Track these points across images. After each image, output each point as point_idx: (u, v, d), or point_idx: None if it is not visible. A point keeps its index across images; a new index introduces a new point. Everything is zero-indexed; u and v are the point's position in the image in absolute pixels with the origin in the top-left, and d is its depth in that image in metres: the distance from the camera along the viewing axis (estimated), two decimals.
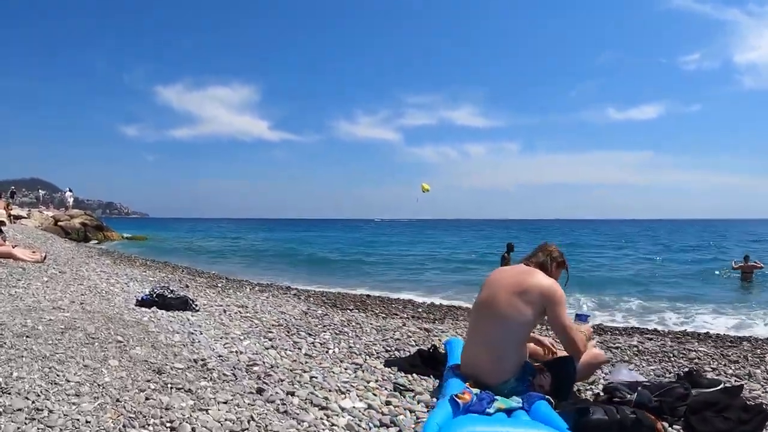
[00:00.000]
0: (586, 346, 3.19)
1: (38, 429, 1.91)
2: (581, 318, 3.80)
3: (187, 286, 8.05)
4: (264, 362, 3.45)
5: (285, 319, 5.40)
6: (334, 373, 3.52)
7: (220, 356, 3.38)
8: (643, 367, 4.70)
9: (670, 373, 4.46)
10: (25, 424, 1.93)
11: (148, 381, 2.58)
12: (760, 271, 15.48)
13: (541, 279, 2.96)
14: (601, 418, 2.59)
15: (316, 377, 3.27)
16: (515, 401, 2.73)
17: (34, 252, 7.92)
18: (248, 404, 2.53)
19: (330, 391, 3.05)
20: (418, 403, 3.07)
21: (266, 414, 2.46)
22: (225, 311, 5.55)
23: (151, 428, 2.08)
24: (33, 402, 2.10)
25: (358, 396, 3.05)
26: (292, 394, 2.83)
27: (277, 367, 3.38)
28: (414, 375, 3.69)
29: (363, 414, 2.77)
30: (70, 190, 33.56)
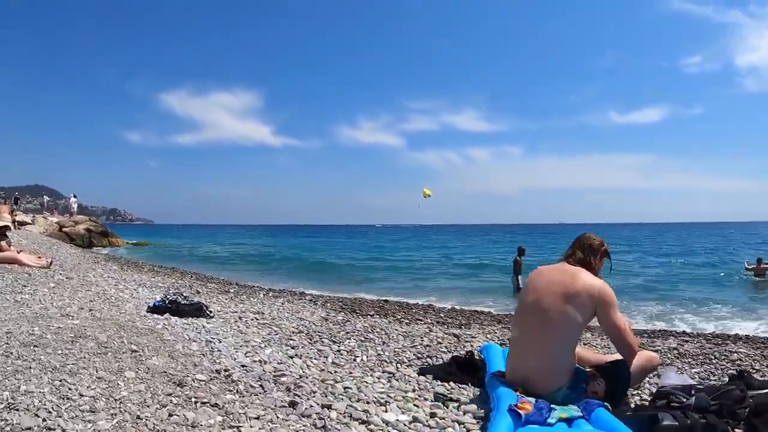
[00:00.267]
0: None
1: None
2: None
3: (199, 292, 7.85)
4: (291, 372, 3.21)
5: (305, 326, 5.16)
6: (367, 383, 3.29)
7: (243, 366, 3.15)
8: (686, 369, 4.57)
9: (714, 375, 4.35)
10: None
11: (170, 395, 2.36)
12: None
13: (589, 280, 2.85)
14: (671, 424, 2.45)
15: (350, 388, 3.04)
16: (574, 409, 2.59)
17: (39, 257, 7.74)
18: (282, 419, 2.29)
19: (368, 403, 2.82)
20: (464, 414, 2.83)
21: (304, 430, 2.22)
22: (241, 318, 5.33)
23: None
24: (44, 420, 1.88)
25: (399, 408, 2.81)
26: (329, 407, 2.59)
27: (306, 378, 3.15)
28: (451, 383, 3.49)
29: (409, 428, 2.55)
30: (75, 197, 33.66)
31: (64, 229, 27.45)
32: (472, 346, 4.66)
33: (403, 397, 3.01)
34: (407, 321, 6.77)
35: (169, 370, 2.79)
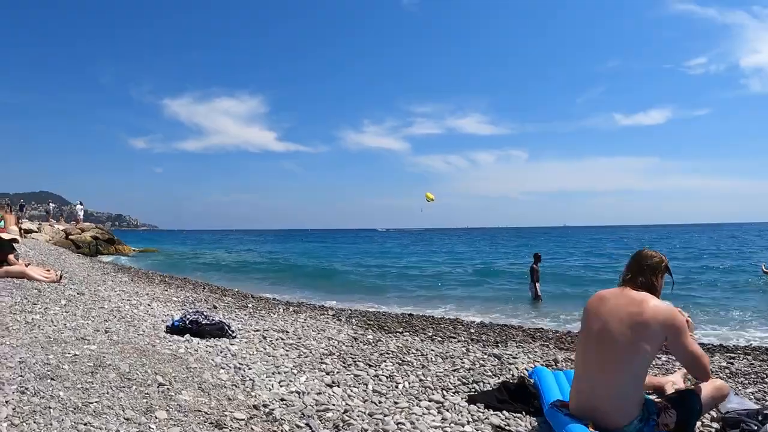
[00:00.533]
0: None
1: None
2: None
3: (215, 307, 7.60)
4: (334, 405, 2.94)
5: (335, 347, 4.89)
6: (416, 415, 3.02)
7: (282, 400, 2.88)
8: (740, 390, 4.25)
9: None
10: None
11: None
12: None
13: (657, 308, 2.69)
14: None
15: (403, 423, 2.77)
16: None
17: (48, 270, 7.53)
18: None
19: None
20: None
21: None
22: (265, 337, 5.07)
23: None
24: None
25: None
26: None
27: (353, 411, 2.87)
28: (505, 413, 3.23)
29: None
30: (81, 203, 33.61)
31: (70, 237, 27.37)
32: (517, 369, 4.36)
33: None
34: (440, 339, 6.47)
35: (203, 408, 2.53)
